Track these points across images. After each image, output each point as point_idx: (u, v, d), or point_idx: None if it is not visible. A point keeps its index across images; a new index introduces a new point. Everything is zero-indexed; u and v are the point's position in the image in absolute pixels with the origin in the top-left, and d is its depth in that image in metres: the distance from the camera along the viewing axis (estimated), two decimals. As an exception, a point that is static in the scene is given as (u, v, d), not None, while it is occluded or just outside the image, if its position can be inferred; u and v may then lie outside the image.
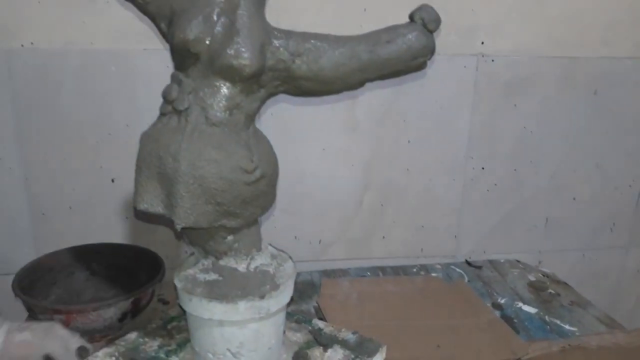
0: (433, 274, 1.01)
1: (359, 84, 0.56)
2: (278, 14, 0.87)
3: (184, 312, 0.58)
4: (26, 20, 0.85)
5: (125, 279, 0.81)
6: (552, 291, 0.97)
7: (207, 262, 0.58)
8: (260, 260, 0.58)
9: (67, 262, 0.83)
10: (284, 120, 0.95)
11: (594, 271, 1.16)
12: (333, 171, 1.01)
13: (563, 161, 1.09)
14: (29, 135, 0.89)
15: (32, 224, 0.92)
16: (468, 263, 1.07)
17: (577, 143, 1.08)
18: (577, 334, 0.82)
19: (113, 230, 0.94)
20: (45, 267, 0.80)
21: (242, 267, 0.57)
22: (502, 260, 1.09)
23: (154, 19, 0.51)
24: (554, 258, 1.14)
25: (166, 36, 0.50)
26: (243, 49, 0.47)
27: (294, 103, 0.95)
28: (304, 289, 0.93)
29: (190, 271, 0.58)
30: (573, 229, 1.13)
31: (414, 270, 1.02)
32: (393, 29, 0.53)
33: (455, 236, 1.09)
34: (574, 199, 1.12)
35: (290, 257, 0.63)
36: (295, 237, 1.03)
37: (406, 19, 0.56)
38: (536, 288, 0.98)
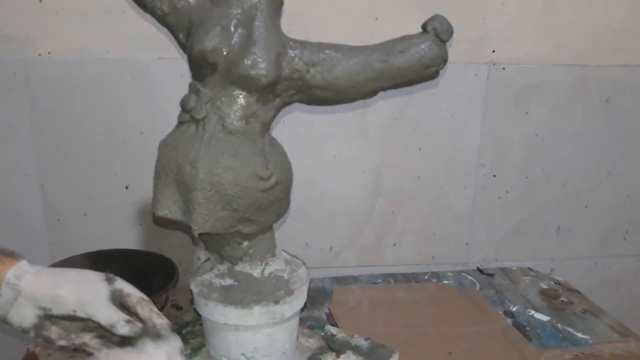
0: (445, 282, 1.01)
1: (373, 93, 0.56)
2: (290, 23, 0.89)
3: (200, 316, 0.59)
4: (43, 30, 0.87)
5: (139, 284, 0.81)
6: (565, 299, 0.96)
7: (223, 268, 0.58)
8: (275, 266, 0.59)
9: (82, 268, 0.84)
10: (296, 128, 0.96)
11: (607, 279, 1.16)
12: (344, 178, 1.01)
13: (575, 169, 1.08)
14: (45, 142, 0.90)
15: (47, 230, 0.94)
16: (480, 271, 1.07)
17: (588, 151, 1.08)
18: (590, 342, 0.82)
19: (127, 236, 0.95)
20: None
21: (257, 272, 0.58)
22: (513, 268, 1.09)
23: (172, 30, 0.52)
24: (566, 266, 1.13)
25: (184, 47, 0.51)
26: (259, 60, 0.48)
27: (305, 111, 0.96)
28: (316, 296, 0.94)
29: (206, 276, 0.58)
30: (585, 236, 1.13)
31: (426, 277, 1.02)
32: (406, 39, 0.54)
33: (467, 244, 1.09)
34: (586, 206, 1.11)
35: (304, 263, 0.63)
36: (307, 244, 1.04)
37: (416, 28, 0.57)
38: (548, 296, 0.97)
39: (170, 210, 0.51)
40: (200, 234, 0.52)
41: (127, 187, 0.94)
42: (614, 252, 1.14)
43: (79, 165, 0.92)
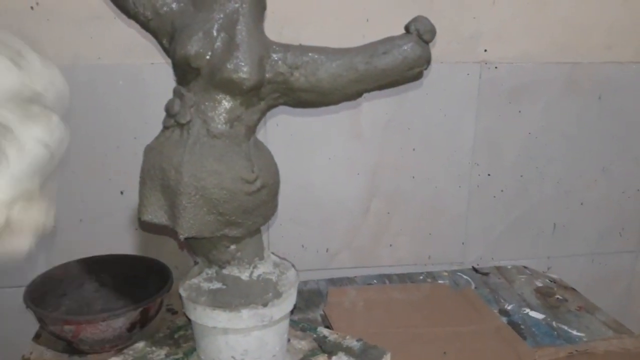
0: (440, 281, 1.01)
1: (357, 95, 0.57)
2: (282, 26, 0.90)
3: (190, 320, 0.59)
4: (35, 38, 0.87)
5: (134, 289, 0.82)
6: (560, 297, 0.96)
7: (211, 271, 0.59)
8: (263, 269, 0.59)
9: (77, 274, 0.84)
10: (290, 131, 0.97)
11: (604, 276, 1.15)
12: (339, 180, 1.02)
13: (569, 166, 1.08)
14: (40, 149, 0.91)
15: (43, 237, 0.94)
16: (475, 270, 1.07)
17: (583, 148, 1.08)
18: (584, 339, 0.82)
19: (122, 241, 0.95)
20: (56, 279, 0.82)
21: (245, 275, 0.58)
22: (509, 267, 1.09)
23: (155, 35, 0.52)
24: (562, 264, 1.13)
25: (168, 52, 0.52)
26: (242, 63, 0.49)
27: (299, 114, 0.96)
28: (311, 298, 0.94)
29: (195, 280, 0.59)
30: (581, 234, 1.13)
31: (421, 277, 1.03)
32: (389, 40, 0.54)
33: (463, 243, 1.09)
34: (582, 204, 1.11)
35: (293, 265, 0.63)
36: (303, 246, 1.04)
37: (407, 30, 0.57)
38: (543, 294, 0.97)
39: (156, 215, 0.52)
40: (187, 238, 0.52)
41: (122, 193, 0.95)
42: (610, 249, 1.14)
43: (73, 171, 0.92)
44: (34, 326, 0.80)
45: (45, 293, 0.79)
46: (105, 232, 0.95)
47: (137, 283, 0.83)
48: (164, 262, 0.85)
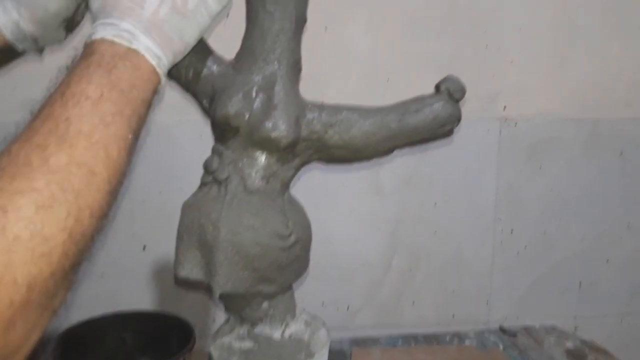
0: (466, 342, 0.98)
1: (389, 151, 0.58)
2: (305, 85, 0.92)
3: (218, 381, 0.57)
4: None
5: (156, 345, 0.80)
6: (593, 359, 0.92)
7: (243, 330, 0.58)
8: (295, 327, 0.58)
9: (99, 331, 0.83)
10: (310, 185, 0.97)
11: (634, 337, 1.11)
12: (360, 235, 1.01)
13: (593, 223, 1.07)
14: (67, 204, 0.92)
15: (65, 292, 0.94)
16: (502, 330, 1.04)
17: (606, 204, 1.07)
18: (623, 405, 0.78)
19: (143, 296, 0.95)
20: (78, 336, 0.81)
21: (277, 334, 0.57)
22: (537, 327, 1.05)
23: (195, 96, 0.54)
24: (590, 324, 1.09)
25: (207, 112, 0.53)
26: (280, 122, 0.50)
27: (320, 168, 0.97)
28: (335, 359, 0.91)
29: (226, 339, 0.58)
30: (609, 292, 1.10)
31: (447, 338, 0.99)
32: (420, 99, 0.56)
33: (487, 301, 1.06)
34: (607, 261, 1.09)
35: (324, 324, 0.62)
36: (323, 304, 1.02)
37: (427, 87, 0.59)
38: (575, 356, 0.94)
39: (192, 271, 0.52)
40: (220, 295, 0.52)
41: (144, 248, 0.95)
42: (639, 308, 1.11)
43: (98, 225, 0.93)
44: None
45: (66, 351, 0.77)
46: (127, 287, 0.94)
47: (159, 339, 0.82)
48: (185, 318, 0.83)
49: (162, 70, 0.43)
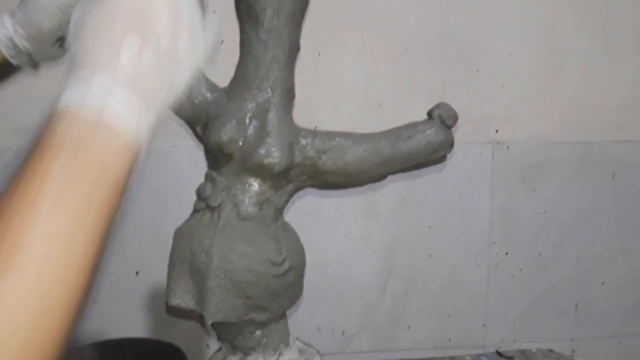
0: (463, 366, 0.97)
1: (382, 177, 0.58)
2: (299, 111, 0.93)
3: (210, 411, 0.56)
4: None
5: (147, 375, 0.79)
6: (591, 383, 0.92)
7: (235, 359, 0.57)
8: (288, 356, 0.57)
9: (90, 358, 0.82)
10: (305, 208, 0.97)
11: (632, 359, 1.10)
12: (355, 258, 1.01)
13: (587, 244, 1.07)
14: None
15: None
16: (499, 354, 1.03)
17: (600, 226, 1.07)
18: None
19: (136, 323, 0.93)
20: (68, 364, 0.79)
21: (270, 363, 0.56)
22: (533, 350, 1.04)
23: (189, 122, 0.55)
24: (587, 345, 1.09)
25: (201, 138, 0.54)
26: (273, 149, 0.50)
27: (315, 192, 0.97)
28: (329, 384, 0.90)
29: (218, 368, 0.57)
30: (605, 314, 1.09)
31: (443, 362, 0.98)
32: (413, 126, 0.56)
33: (484, 324, 1.06)
34: (603, 283, 1.09)
35: (318, 352, 0.62)
36: (318, 328, 1.01)
37: (420, 112, 0.59)
38: (573, 380, 0.93)
39: (183, 299, 0.51)
40: (213, 323, 0.51)
41: (137, 273, 0.94)
42: (636, 330, 1.10)
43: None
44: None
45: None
46: (119, 313, 0.93)
47: (151, 368, 0.80)
48: (178, 345, 0.82)
49: (143, 135, 0.35)
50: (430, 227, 1.02)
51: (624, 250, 1.08)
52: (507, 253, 1.05)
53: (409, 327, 1.03)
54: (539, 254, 1.06)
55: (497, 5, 0.99)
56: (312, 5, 0.74)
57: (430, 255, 1.03)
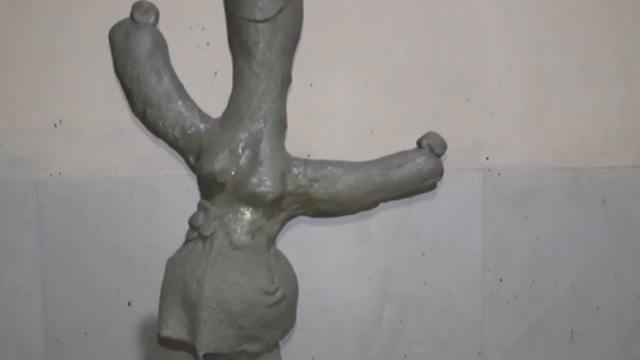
0: (459, 396, 0.96)
1: (374, 205, 0.59)
2: (292, 140, 0.93)
3: None
4: (56, 152, 0.91)
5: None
6: (589, 412, 0.90)
7: (228, 391, 0.56)
8: (282, 388, 0.57)
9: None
10: (298, 236, 0.97)
11: (631, 388, 1.09)
12: (349, 286, 1.00)
13: (581, 270, 1.07)
14: (51, 261, 0.91)
15: (45, 352, 0.91)
16: (495, 382, 1.02)
17: (593, 251, 1.08)
18: None
19: (128, 355, 0.92)
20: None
21: (263, 395, 0.55)
22: (530, 378, 1.03)
23: (182, 153, 0.55)
24: (585, 374, 1.08)
25: (194, 168, 0.54)
26: (266, 178, 0.51)
27: (307, 219, 0.97)
28: (324, 416, 0.88)
29: (210, 401, 0.56)
30: (601, 341, 1.09)
31: (439, 391, 0.97)
32: (403, 154, 0.57)
33: (480, 352, 1.05)
34: (598, 309, 1.09)
35: (312, 383, 0.61)
36: (313, 359, 1.00)
37: (411, 140, 0.60)
38: (571, 408, 0.91)
39: (175, 330, 0.51)
40: (204, 355, 0.51)
41: (129, 304, 0.93)
42: (633, 357, 1.09)
43: (83, 282, 0.91)
44: None
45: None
46: (110, 346, 0.92)
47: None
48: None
49: None
50: (424, 254, 1.02)
51: (617, 276, 1.09)
52: (501, 279, 1.05)
53: (405, 356, 1.02)
54: (533, 280, 1.06)
55: (485, 36, 1.02)
56: (304, 38, 0.76)
57: (425, 283, 1.03)
